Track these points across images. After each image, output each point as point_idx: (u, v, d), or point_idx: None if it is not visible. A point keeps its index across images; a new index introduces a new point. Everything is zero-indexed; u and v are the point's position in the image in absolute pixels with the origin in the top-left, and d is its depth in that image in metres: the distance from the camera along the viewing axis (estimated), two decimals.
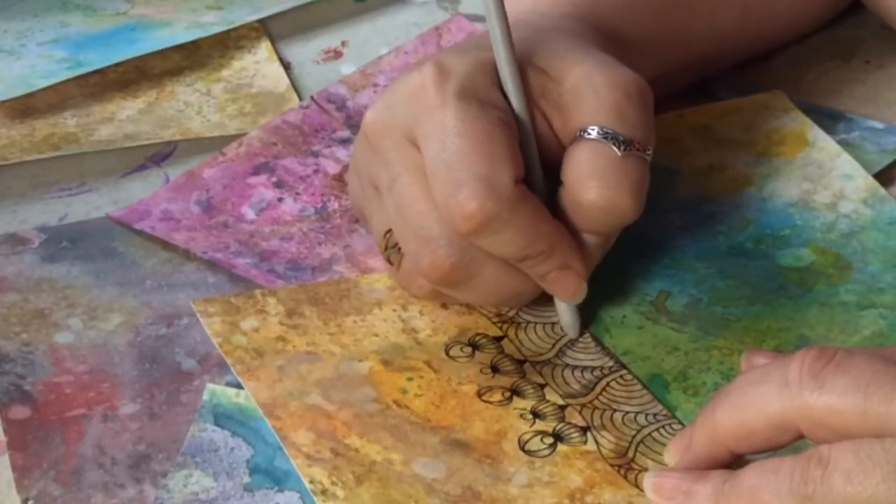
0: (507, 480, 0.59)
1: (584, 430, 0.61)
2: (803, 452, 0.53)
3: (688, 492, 0.55)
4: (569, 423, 0.61)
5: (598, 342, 0.65)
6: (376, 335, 0.64)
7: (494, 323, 0.66)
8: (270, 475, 0.59)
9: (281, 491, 0.59)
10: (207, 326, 0.64)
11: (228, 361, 0.63)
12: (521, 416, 0.61)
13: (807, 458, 0.53)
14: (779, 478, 0.53)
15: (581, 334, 0.65)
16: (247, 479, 0.59)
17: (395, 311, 0.66)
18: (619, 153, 0.62)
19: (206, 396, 0.62)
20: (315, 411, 0.61)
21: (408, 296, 0.66)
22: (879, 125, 0.76)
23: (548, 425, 0.61)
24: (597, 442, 0.60)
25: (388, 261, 0.65)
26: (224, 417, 0.61)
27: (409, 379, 0.63)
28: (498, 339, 0.65)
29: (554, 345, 0.65)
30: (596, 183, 0.62)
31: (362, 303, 0.66)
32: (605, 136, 0.62)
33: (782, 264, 0.68)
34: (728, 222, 0.70)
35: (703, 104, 0.77)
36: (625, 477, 0.59)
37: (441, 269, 0.62)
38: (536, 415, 0.61)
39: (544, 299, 0.65)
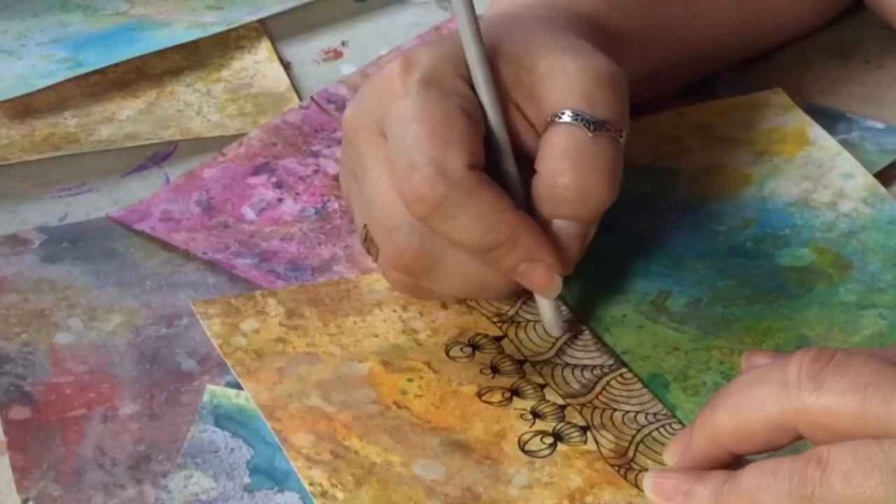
0: (506, 481, 0.59)
1: (584, 429, 0.61)
2: (802, 453, 0.53)
3: (687, 492, 0.55)
4: (569, 423, 0.61)
5: (598, 339, 0.65)
6: (376, 336, 0.64)
7: (494, 323, 0.66)
8: (271, 476, 0.59)
9: (281, 492, 0.59)
10: (207, 328, 0.64)
11: (228, 363, 0.63)
12: (521, 416, 0.61)
13: (805, 459, 0.53)
14: (778, 479, 0.53)
15: (567, 331, 0.65)
16: (247, 479, 0.59)
17: (395, 311, 0.66)
18: (590, 134, 0.62)
19: (206, 397, 0.62)
20: (315, 413, 0.61)
21: (408, 297, 0.66)
22: (879, 125, 0.76)
23: (548, 425, 0.61)
24: (597, 441, 0.60)
25: (368, 252, 0.65)
26: (224, 418, 0.61)
27: (409, 380, 0.63)
28: (498, 339, 0.65)
29: (554, 344, 0.65)
30: (568, 165, 0.62)
31: (362, 303, 0.66)
32: (577, 118, 0.62)
33: (782, 264, 0.68)
34: (728, 222, 0.70)
35: (703, 102, 0.77)
36: (624, 477, 0.59)
37: (404, 258, 0.63)
38: (536, 415, 0.61)
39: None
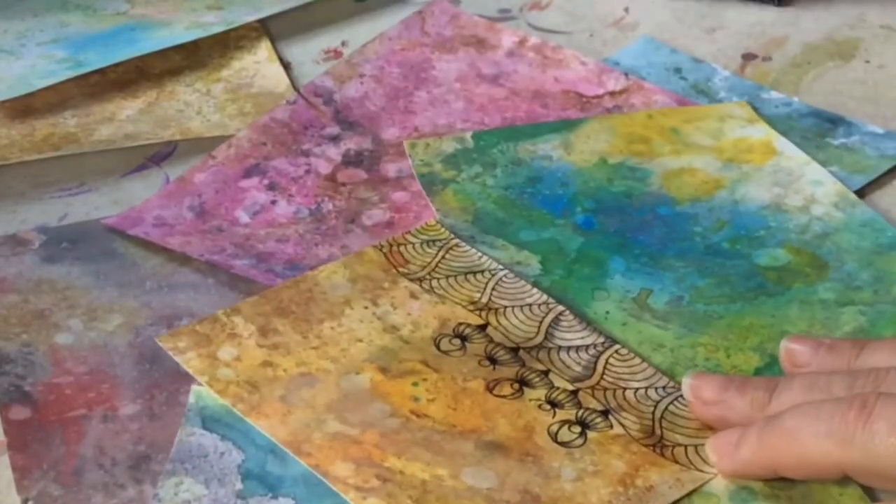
0: (556, 476, 0.58)
1: (605, 413, 0.61)
2: (844, 397, 0.55)
3: (737, 443, 0.57)
4: (587, 409, 0.61)
5: (580, 317, 0.65)
6: (360, 340, 0.64)
7: (471, 311, 0.65)
8: (263, 481, 0.58)
9: (275, 498, 0.58)
10: (185, 364, 0.62)
11: (227, 402, 0.61)
12: (540, 406, 0.61)
13: (849, 402, 0.54)
14: (819, 420, 0.54)
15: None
16: (239, 485, 0.58)
17: (366, 308, 0.65)
18: None
19: (191, 399, 0.61)
20: (341, 439, 0.59)
21: (372, 287, 0.66)
22: (879, 130, 0.76)
23: (568, 413, 0.61)
24: (622, 425, 0.60)
25: None
26: (212, 420, 0.60)
27: (415, 384, 0.62)
28: (482, 328, 0.65)
29: (539, 326, 0.65)
30: None
31: (330, 304, 0.65)
32: None
33: (760, 264, 0.68)
34: (703, 223, 0.71)
35: (671, 107, 0.77)
36: (662, 455, 0.59)
37: None
38: (553, 404, 0.61)
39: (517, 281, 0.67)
